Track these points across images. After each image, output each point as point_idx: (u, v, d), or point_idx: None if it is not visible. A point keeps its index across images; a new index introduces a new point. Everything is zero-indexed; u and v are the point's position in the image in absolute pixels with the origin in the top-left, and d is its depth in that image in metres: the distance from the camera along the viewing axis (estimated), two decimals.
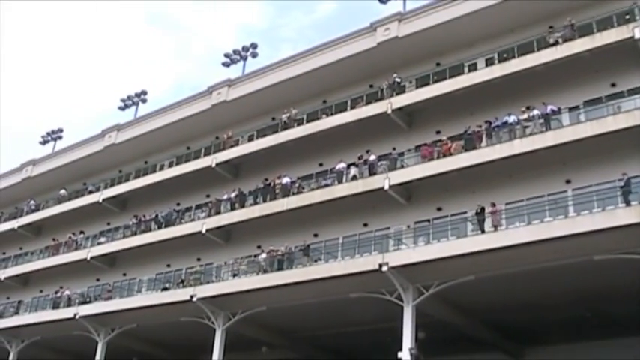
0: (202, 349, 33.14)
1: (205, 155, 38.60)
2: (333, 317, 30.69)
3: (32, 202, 50.18)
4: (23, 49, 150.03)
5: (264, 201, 33.59)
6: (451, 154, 27.95)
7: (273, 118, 37.12)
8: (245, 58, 42.73)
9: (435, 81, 30.55)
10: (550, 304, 25.81)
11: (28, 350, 42.15)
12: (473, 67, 30.07)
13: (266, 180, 34.44)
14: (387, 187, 28.83)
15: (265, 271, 30.60)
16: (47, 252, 45.83)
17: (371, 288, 26.49)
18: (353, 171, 30.80)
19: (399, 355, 25.16)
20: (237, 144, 37.52)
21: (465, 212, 27.84)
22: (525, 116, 26.86)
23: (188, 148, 41.11)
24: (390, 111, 30.84)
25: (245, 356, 34.64)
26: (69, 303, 39.88)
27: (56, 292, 42.08)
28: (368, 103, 32.31)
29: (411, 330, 25.17)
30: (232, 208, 35.09)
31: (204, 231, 35.54)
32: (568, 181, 26.51)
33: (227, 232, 36.11)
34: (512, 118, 27.08)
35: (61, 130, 54.22)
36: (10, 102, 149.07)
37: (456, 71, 30.23)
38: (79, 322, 37.34)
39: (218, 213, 35.75)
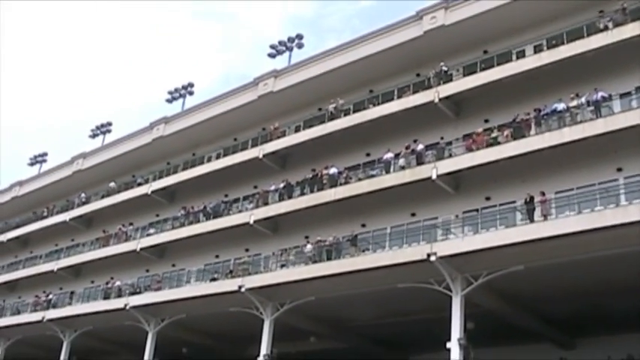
0: (251, 340, 33.78)
1: (252, 146, 39.03)
2: (381, 307, 31.03)
3: (83, 194, 51.48)
4: (74, 43, 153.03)
5: (312, 191, 33.86)
6: (489, 146, 27.90)
7: (320, 109, 37.38)
8: (291, 49, 43.09)
9: (483, 69, 30.43)
10: (602, 294, 25.64)
11: (80, 340, 43.43)
12: (521, 55, 29.92)
13: (313, 170, 34.76)
14: (434, 176, 28.85)
15: (314, 262, 30.91)
16: (98, 244, 46.99)
17: (419, 278, 26.71)
18: (400, 161, 30.92)
19: (448, 345, 25.37)
20: (284, 135, 37.86)
21: (514, 201, 27.83)
22: (575, 103, 26.66)
23: (235, 140, 41.63)
24: (437, 100, 30.85)
25: (293, 347, 35.22)
26: (119, 294, 40.91)
27: (107, 283, 43.26)
28: (415, 92, 32.32)
29: (459, 320, 25.33)
30: (280, 199, 35.45)
31: (252, 222, 35.96)
32: (619, 169, 26.23)
33: (275, 222, 36.49)
34: (561, 106, 26.86)
35: (110, 124, 55.42)
36: (60, 96, 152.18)
37: (504, 59, 30.09)
38: (129, 312, 38.32)
39: (266, 204, 36.14)
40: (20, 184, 60.95)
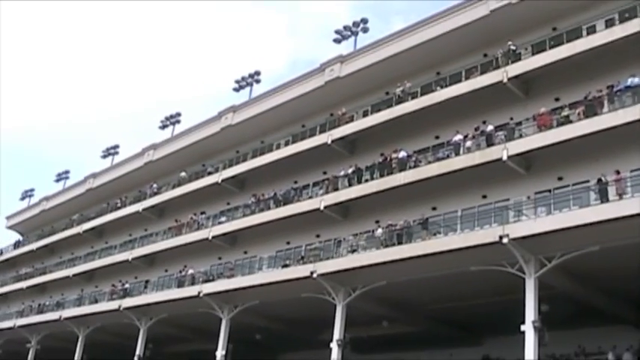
0: (324, 325, 34.37)
1: (321, 132, 39.40)
2: (453, 291, 31.20)
3: (154, 184, 52.93)
4: (145, 34, 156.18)
5: (381, 176, 34.06)
6: (560, 125, 27.68)
7: (387, 93, 37.53)
8: (356, 34, 43.29)
9: (552, 46, 30.07)
10: None
11: (156, 327, 44.84)
12: (591, 30, 29.52)
13: (382, 155, 35.03)
14: (505, 157, 28.73)
15: (385, 246, 31.22)
16: (170, 233, 48.24)
17: (491, 261, 26.82)
18: (469, 142, 30.98)
19: (522, 328, 25.46)
20: (352, 120, 38.17)
21: (588, 181, 27.58)
22: None
23: (303, 126, 42.17)
24: (505, 80, 30.71)
25: (366, 331, 35.72)
26: (193, 281, 41.96)
27: (180, 272, 44.46)
28: (483, 72, 32.20)
29: (533, 303, 25.37)
30: (349, 184, 35.76)
31: (322, 208, 36.35)
32: None
33: (345, 208, 36.86)
34: (636, 80, 26.47)
35: (179, 114, 56.66)
36: (131, 88, 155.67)
37: (574, 35, 29.66)
38: (203, 299, 39.38)
39: (335, 189, 36.50)
40: (94, 176, 63.09)
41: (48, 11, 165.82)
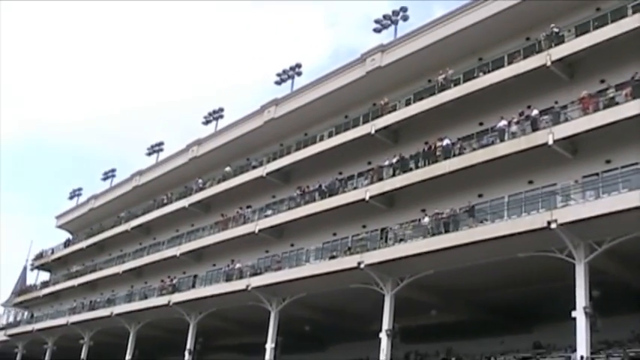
0: (372, 316, 34.68)
1: (364, 123, 39.45)
2: (502, 278, 31.29)
3: (200, 180, 53.58)
4: (185, 35, 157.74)
5: (426, 164, 34.10)
6: (606, 107, 27.37)
7: (429, 80, 37.41)
8: (396, 22, 43.19)
9: (596, 27, 29.58)
10: None
11: (205, 321, 45.63)
12: (637, 8, 28.94)
13: (426, 143, 35.09)
14: (551, 142, 28.50)
15: (432, 235, 31.32)
16: (217, 227, 48.79)
17: (539, 247, 26.85)
18: (514, 128, 30.85)
19: (573, 314, 25.47)
20: (394, 109, 38.14)
21: (637, 163, 27.24)
22: None
23: (346, 117, 42.30)
24: (549, 63, 30.39)
25: (415, 320, 35.90)
26: (241, 275, 42.54)
27: (228, 266, 45.09)
28: (525, 57, 31.89)
29: (584, 288, 25.38)
30: (394, 174, 35.80)
31: (367, 198, 36.47)
32: None
33: (390, 197, 36.94)
34: None
35: (221, 109, 57.13)
36: (175, 86, 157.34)
37: (619, 14, 29.09)
38: (251, 293, 39.95)
39: (380, 179, 36.55)
40: (140, 173, 64.14)
41: (96, 10, 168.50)
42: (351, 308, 39.03)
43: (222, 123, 55.97)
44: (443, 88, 35.26)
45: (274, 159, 46.32)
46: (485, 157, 31.20)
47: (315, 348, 43.23)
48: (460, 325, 36.13)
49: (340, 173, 41.38)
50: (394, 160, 36.31)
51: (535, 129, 29.77)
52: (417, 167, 34.73)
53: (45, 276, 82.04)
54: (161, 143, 64.58)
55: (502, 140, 31.03)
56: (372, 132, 38.40)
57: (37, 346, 68.10)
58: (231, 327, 47.83)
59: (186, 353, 46.10)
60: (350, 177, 41.01)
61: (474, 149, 32.34)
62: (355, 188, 38.62)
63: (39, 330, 66.46)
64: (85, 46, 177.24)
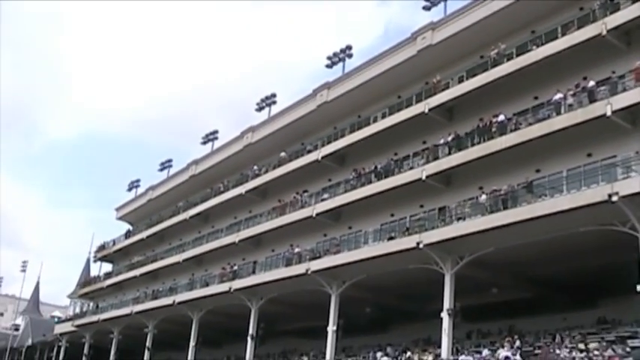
0: (433, 295, 34.84)
1: (417, 102, 39.33)
2: (563, 253, 31.17)
3: (255, 166, 54.21)
4: (236, 20, 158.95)
5: (482, 141, 33.97)
6: None
7: (482, 56, 37.11)
8: None
9: None
10: None
11: (266, 306, 46.38)
12: None
13: (481, 119, 34.94)
14: (609, 113, 28.08)
15: (491, 212, 31.30)
16: (274, 213, 49.34)
17: (601, 220, 26.70)
18: (571, 100, 30.54)
19: (638, 288, 25.24)
20: (447, 87, 38.01)
21: None
22: None
23: (399, 97, 42.23)
24: (604, 32, 29.82)
25: (476, 299, 35.99)
26: (300, 260, 43.09)
27: (287, 251, 45.68)
28: (579, 27, 31.38)
29: None
30: (450, 152, 35.74)
31: (424, 177, 36.40)
32: None
33: (447, 176, 36.90)
34: None
35: (274, 95, 57.50)
36: (226, 75, 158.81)
37: None
38: (311, 277, 40.51)
39: (436, 158, 36.52)
40: (196, 162, 65.13)
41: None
42: (411, 289, 39.19)
43: (275, 109, 56.44)
44: (496, 63, 35.02)
45: (329, 142, 46.52)
46: (541, 132, 30.90)
47: (377, 329, 43.55)
48: (522, 302, 36.08)
49: (395, 154, 41.41)
50: (449, 139, 36.22)
51: (592, 100, 29.37)
52: (472, 144, 34.58)
53: (108, 267, 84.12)
54: (215, 132, 65.41)
55: (558, 113, 30.73)
56: (426, 111, 38.29)
57: (103, 335, 69.99)
58: (292, 311, 48.48)
59: (249, 338, 46.95)
60: (405, 157, 40.99)
61: (530, 124, 32.06)
62: (411, 168, 38.58)
63: (104, 320, 68.30)
64: (139, 36, 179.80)
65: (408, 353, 35.86)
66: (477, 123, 35.14)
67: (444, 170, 36.13)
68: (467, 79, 36.95)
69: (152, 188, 74.78)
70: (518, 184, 31.71)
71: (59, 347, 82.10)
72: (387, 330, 43.42)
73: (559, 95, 31.21)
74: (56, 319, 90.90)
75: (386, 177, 39.39)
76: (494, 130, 33.53)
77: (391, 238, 37.04)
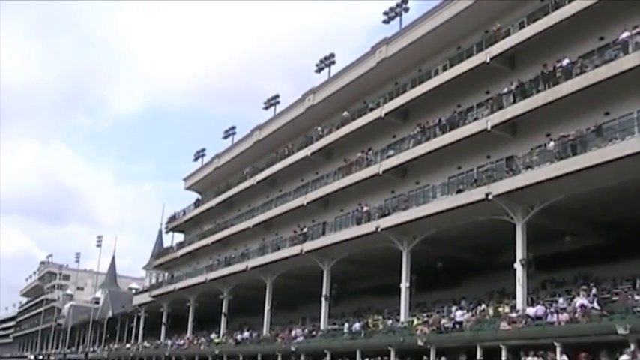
0: (505, 246, 34.87)
1: (478, 52, 38.77)
2: (636, 197, 30.63)
3: (319, 128, 54.52)
4: None
5: (546, 87, 33.45)
6: None
7: (542, 0, 36.49)
8: None
9: None
10: None
11: (338, 266, 47.10)
12: None
13: (545, 65, 34.36)
14: None
15: (560, 159, 30.92)
16: (341, 173, 49.72)
17: None
18: (638, 38, 29.76)
19: None
20: (508, 34, 37.41)
21: None
22: None
23: (459, 48, 41.76)
24: None
25: (549, 248, 35.88)
26: (369, 218, 43.46)
27: (356, 210, 46.04)
28: None
29: None
30: (514, 101, 35.29)
31: (489, 128, 36.10)
32: None
33: (512, 125, 36.50)
34: None
35: (332, 55, 57.42)
36: (283, 37, 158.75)
37: None
38: (381, 234, 40.95)
39: (500, 108, 36.11)
40: (259, 128, 65.87)
41: None
42: (482, 241, 39.26)
43: (334, 69, 56.48)
44: (557, 6, 34.20)
45: (391, 99, 46.33)
46: (608, 73, 30.09)
47: (450, 284, 43.76)
48: (597, 249, 35.64)
49: (459, 106, 41.22)
50: (513, 87, 35.78)
51: None
52: (537, 91, 34.07)
53: (180, 237, 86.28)
54: (277, 96, 65.90)
55: (626, 53, 29.86)
56: (487, 60, 37.83)
57: (180, 304, 72.04)
58: (365, 270, 49.04)
59: (323, 299, 47.75)
60: (469, 109, 40.72)
61: (597, 66, 31.28)
62: (476, 119, 38.26)
63: (180, 289, 70.28)
64: (197, 5, 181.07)
65: (483, 306, 35.94)
66: (540, 69, 34.53)
67: (509, 119, 35.76)
68: (528, 24, 36.15)
69: (218, 156, 75.98)
70: (587, 129, 31.11)
71: (139, 317, 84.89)
72: (460, 284, 43.57)
73: (626, 34, 30.36)
74: (134, 291, 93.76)
75: (450, 130, 39.20)
76: (558, 75, 32.93)
77: (460, 191, 36.99)
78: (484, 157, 38.63)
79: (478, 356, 30.95)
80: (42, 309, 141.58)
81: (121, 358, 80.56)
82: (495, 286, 39.06)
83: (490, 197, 33.24)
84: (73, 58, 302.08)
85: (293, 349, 46.02)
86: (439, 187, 40.61)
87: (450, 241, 40.17)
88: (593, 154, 29.20)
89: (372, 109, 48.04)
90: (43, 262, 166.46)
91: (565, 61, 32.99)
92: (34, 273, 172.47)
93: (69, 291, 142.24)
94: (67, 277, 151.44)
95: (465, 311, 35.80)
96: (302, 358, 44.26)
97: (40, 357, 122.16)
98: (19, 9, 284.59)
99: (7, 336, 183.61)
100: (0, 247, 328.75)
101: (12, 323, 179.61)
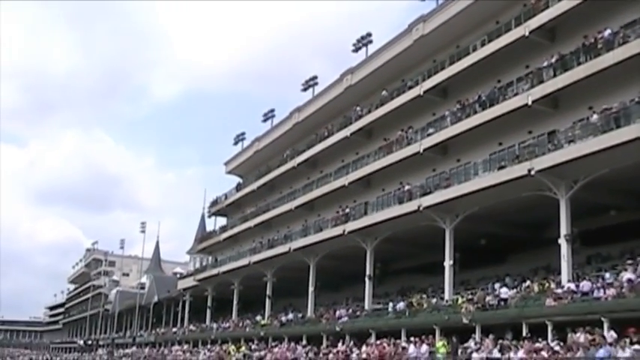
0: (549, 222, 34.76)
1: (516, 26, 38.32)
2: None
3: (358, 107, 54.54)
4: None
5: (588, 59, 32.97)
6: None
7: None
8: None
9: None
10: None
11: (381, 246, 47.24)
12: None
13: (585, 37, 33.90)
14: None
15: (603, 132, 30.56)
16: (381, 152, 49.70)
17: None
18: None
19: None
20: (547, 6, 36.84)
21: None
22: None
23: (497, 23, 41.32)
24: None
25: (593, 223, 35.59)
26: (410, 197, 43.47)
27: (398, 189, 46.11)
28: None
29: None
30: (555, 74, 34.87)
31: (529, 103, 35.71)
32: None
33: (554, 99, 35.99)
34: None
35: (369, 35, 57.30)
36: (319, 18, 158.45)
37: None
38: (423, 213, 41.02)
39: (541, 82, 35.72)
40: (298, 110, 66.05)
41: None
42: (525, 217, 39.15)
43: (371, 48, 56.30)
44: None
45: (429, 76, 46.08)
46: None
47: (494, 261, 43.61)
48: None
49: (499, 81, 40.89)
50: (553, 60, 35.36)
51: None
52: (578, 64, 33.67)
53: (222, 221, 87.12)
54: (315, 77, 65.91)
55: None
56: (526, 34, 37.38)
57: (224, 287, 72.93)
58: (408, 249, 49.12)
59: (366, 279, 48.03)
60: (509, 84, 40.26)
61: None
62: (516, 94, 37.85)
63: (224, 272, 71.10)
64: None
65: (528, 282, 35.85)
66: (581, 41, 34.10)
67: (550, 93, 35.31)
68: None
69: (258, 140, 76.40)
70: (631, 100, 30.69)
71: (184, 302, 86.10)
72: (504, 261, 43.42)
73: None
74: (178, 275, 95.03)
75: (491, 106, 38.93)
76: (600, 46, 32.46)
77: (501, 168, 36.79)
78: (525, 132, 38.27)
79: (524, 333, 30.90)
80: (89, 295, 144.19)
81: (167, 342, 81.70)
82: (540, 263, 38.90)
83: (533, 173, 33.06)
84: (111, 47, 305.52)
85: (338, 329, 46.38)
86: (480, 163, 40.31)
87: (492, 218, 40.01)
88: (637, 126, 28.80)
89: (410, 88, 47.82)
90: (88, 250, 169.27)
91: (606, 32, 32.49)
92: (81, 260, 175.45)
93: (115, 277, 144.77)
94: (112, 264, 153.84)
95: (510, 288, 35.76)
96: (347, 338, 44.50)
97: (89, 342, 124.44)
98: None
99: (56, 322, 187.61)
100: (47, 235, 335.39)
101: (61, 310, 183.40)
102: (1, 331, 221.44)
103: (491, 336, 31.39)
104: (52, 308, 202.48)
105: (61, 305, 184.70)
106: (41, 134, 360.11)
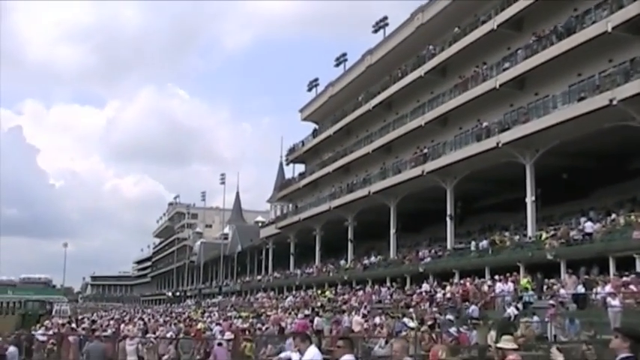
0: (633, 153, 34.18)
1: None
2: None
3: (430, 46, 53.99)
4: None
5: None
6: None
7: None
8: None
9: None
10: None
11: (461, 186, 47.36)
12: None
13: None
14: None
15: None
16: (457, 90, 49.38)
17: None
18: None
19: None
20: None
21: None
22: None
23: None
24: None
25: None
26: (489, 134, 43.15)
27: (476, 126, 45.78)
28: None
29: None
30: None
31: (609, 30, 34.61)
32: None
33: (636, 24, 34.40)
34: None
35: None
36: None
37: None
38: (503, 149, 40.75)
39: (621, 7, 34.55)
40: (370, 52, 65.75)
41: None
42: (608, 149, 38.41)
43: None
44: None
45: (502, 9, 45.13)
46: None
47: (577, 195, 43.00)
48: None
49: (575, 9, 39.81)
50: None
51: None
52: None
53: (300, 168, 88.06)
54: (385, 18, 65.33)
55: None
56: None
57: (306, 233, 74.03)
58: (488, 187, 48.84)
59: (448, 219, 48.16)
60: (587, 11, 39.00)
61: None
62: (594, 22, 36.81)
63: (305, 219, 72.20)
64: None
65: (613, 216, 35.40)
66: None
67: (632, 18, 33.95)
68: None
69: (331, 84, 76.48)
70: None
71: (267, 249, 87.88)
72: (587, 195, 42.80)
73: None
74: (260, 224, 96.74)
75: (568, 35, 37.97)
76: None
77: (581, 99, 36.10)
78: (606, 61, 37.23)
79: (610, 267, 30.69)
80: (174, 248, 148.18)
81: (253, 290, 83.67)
82: (625, 195, 38.38)
83: (615, 102, 32.42)
84: (180, 1, 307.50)
85: (421, 270, 46.84)
86: (559, 96, 39.63)
87: (574, 152, 39.35)
88: None
89: (483, 22, 47.00)
90: (171, 204, 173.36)
91: None
92: (164, 215, 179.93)
93: (198, 229, 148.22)
94: (194, 216, 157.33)
95: (595, 222, 35.36)
96: (430, 278, 44.88)
97: (177, 293, 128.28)
98: None
99: (145, 276, 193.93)
100: (130, 191, 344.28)
101: (148, 264, 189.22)
102: (95, 286, 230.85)
103: (583, 268, 31.19)
104: (139, 262, 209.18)
105: (148, 259, 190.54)
106: (117, 93, 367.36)
